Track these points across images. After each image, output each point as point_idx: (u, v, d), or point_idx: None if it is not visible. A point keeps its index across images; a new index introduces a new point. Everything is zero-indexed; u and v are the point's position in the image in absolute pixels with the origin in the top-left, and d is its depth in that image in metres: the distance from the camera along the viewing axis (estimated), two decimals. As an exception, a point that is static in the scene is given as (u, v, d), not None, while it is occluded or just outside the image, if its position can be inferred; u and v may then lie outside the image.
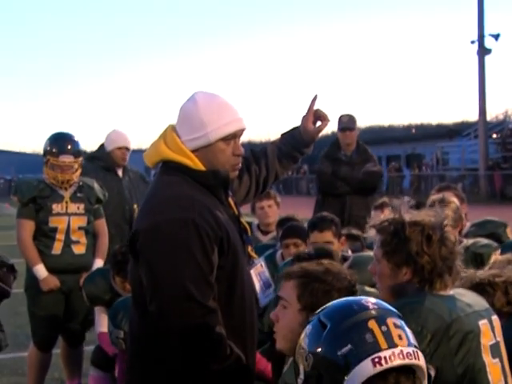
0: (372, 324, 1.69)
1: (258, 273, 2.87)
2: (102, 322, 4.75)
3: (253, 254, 2.91)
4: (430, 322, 2.32)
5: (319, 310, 1.83)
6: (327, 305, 1.84)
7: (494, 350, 2.42)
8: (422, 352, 2.29)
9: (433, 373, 2.28)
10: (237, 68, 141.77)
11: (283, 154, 3.07)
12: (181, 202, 2.59)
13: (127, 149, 6.26)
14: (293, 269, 2.50)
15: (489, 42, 30.62)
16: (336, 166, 6.51)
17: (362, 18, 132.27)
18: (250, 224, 5.62)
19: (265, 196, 5.67)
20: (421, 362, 1.75)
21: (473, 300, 2.53)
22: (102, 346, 4.74)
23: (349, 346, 1.66)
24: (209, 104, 2.67)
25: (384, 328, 1.69)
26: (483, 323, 2.42)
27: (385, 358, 1.65)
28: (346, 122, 6.49)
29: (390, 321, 1.72)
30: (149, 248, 2.56)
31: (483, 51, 30.59)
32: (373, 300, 1.80)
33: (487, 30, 30.64)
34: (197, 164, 2.66)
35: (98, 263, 5.29)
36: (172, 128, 2.73)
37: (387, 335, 1.69)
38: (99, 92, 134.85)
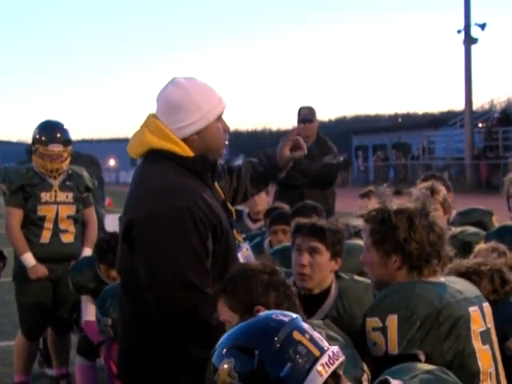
0: (296, 335, 1.66)
1: (245, 256, 2.91)
2: (88, 311, 4.78)
3: (239, 237, 2.95)
4: (419, 307, 2.34)
5: (229, 340, 1.72)
6: (238, 332, 1.74)
7: (485, 337, 2.45)
8: (412, 338, 2.33)
9: (422, 358, 2.31)
10: (222, 56, 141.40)
11: (257, 174, 3.12)
12: (174, 189, 2.59)
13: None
14: (215, 289, 2.45)
15: (475, 32, 30.72)
16: None
17: (349, 9, 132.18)
18: (240, 212, 5.66)
19: None
20: (342, 355, 1.74)
21: (464, 287, 2.55)
22: (87, 335, 4.76)
23: (289, 365, 1.63)
24: (198, 87, 2.70)
25: (307, 335, 1.67)
26: (474, 310, 2.45)
27: (326, 363, 1.64)
28: (306, 114, 6.41)
29: (305, 326, 1.71)
30: (146, 236, 2.57)
31: (469, 41, 30.66)
32: (280, 312, 1.77)
33: (473, 20, 30.74)
34: (185, 151, 2.67)
35: (87, 252, 5.27)
36: (155, 118, 2.71)
37: (314, 342, 1.67)
38: (85, 80, 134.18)
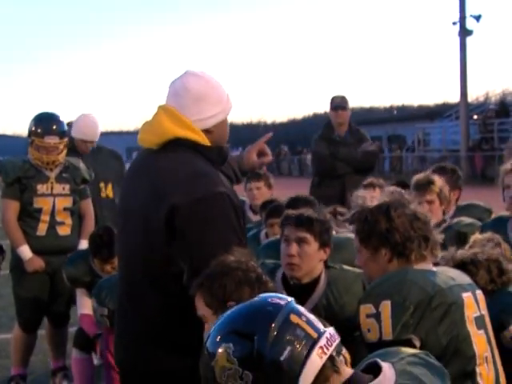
0: (294, 318, 1.67)
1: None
2: (84, 304, 4.77)
3: None
4: (412, 294, 2.38)
5: (226, 324, 1.72)
6: (235, 317, 1.73)
7: (479, 322, 2.47)
8: (406, 323, 2.36)
9: (417, 343, 2.34)
10: (219, 51, 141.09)
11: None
12: (210, 176, 2.65)
13: (92, 142, 6.12)
14: (192, 285, 2.46)
15: (470, 24, 30.67)
16: (333, 148, 6.55)
17: (345, 2, 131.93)
18: (242, 202, 5.66)
19: (254, 177, 5.68)
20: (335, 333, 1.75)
21: (456, 274, 2.59)
22: (83, 328, 4.77)
23: (288, 348, 1.63)
24: (216, 80, 2.75)
25: (304, 318, 1.68)
26: (467, 296, 2.48)
27: (325, 345, 1.65)
28: (339, 102, 6.57)
29: (301, 309, 1.72)
30: (193, 222, 2.55)
31: (464, 32, 30.61)
32: (275, 295, 1.78)
33: (468, 12, 30.67)
34: (205, 140, 2.71)
35: (84, 244, 5.25)
36: (172, 109, 2.68)
37: (311, 324, 1.68)
38: (78, 71, 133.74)
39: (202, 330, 2.47)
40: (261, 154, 3.21)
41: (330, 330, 1.70)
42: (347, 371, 1.74)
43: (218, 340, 1.68)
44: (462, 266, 2.90)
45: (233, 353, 1.65)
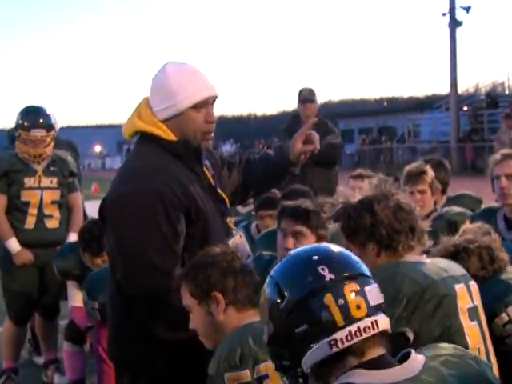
0: (328, 299, 1.61)
1: (237, 244, 2.87)
2: (74, 297, 4.77)
3: (231, 225, 2.92)
4: (405, 286, 2.35)
5: (277, 271, 1.72)
6: (285, 268, 1.72)
7: (472, 314, 2.46)
8: (399, 317, 2.34)
9: (411, 336, 2.32)
10: (204, 43, 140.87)
11: (271, 167, 3.04)
12: (147, 171, 2.61)
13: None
14: (177, 274, 2.49)
15: (460, 15, 30.79)
16: None
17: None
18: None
19: None
20: (381, 327, 1.66)
21: (449, 266, 2.57)
22: (74, 320, 4.76)
23: (305, 326, 1.62)
24: (178, 73, 2.68)
25: (341, 301, 1.62)
26: (460, 287, 2.46)
27: (341, 339, 1.60)
28: (307, 95, 6.58)
29: (348, 289, 1.64)
30: (113, 217, 2.62)
31: (454, 23, 30.69)
32: (329, 263, 1.67)
33: (458, 3, 30.78)
34: (168, 134, 2.68)
35: (72, 237, 5.23)
36: (146, 100, 2.75)
37: (344, 309, 1.61)
38: (70, 66, 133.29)
39: (151, 319, 2.54)
40: (307, 141, 3.03)
41: (366, 321, 1.62)
42: (369, 352, 1.66)
43: (269, 279, 1.74)
44: (454, 252, 2.90)
45: (268, 298, 1.71)
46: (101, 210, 2.68)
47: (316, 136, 3.04)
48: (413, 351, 1.71)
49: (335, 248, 1.76)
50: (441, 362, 1.71)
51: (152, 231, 2.55)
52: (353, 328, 1.61)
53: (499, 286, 2.88)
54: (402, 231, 2.50)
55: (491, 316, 2.76)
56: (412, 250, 2.53)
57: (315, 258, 1.68)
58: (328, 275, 1.64)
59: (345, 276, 1.65)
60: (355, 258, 1.76)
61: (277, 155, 3.05)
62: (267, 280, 1.74)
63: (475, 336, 2.44)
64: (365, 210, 2.52)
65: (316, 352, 1.62)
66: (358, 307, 1.63)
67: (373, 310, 1.65)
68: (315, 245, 1.86)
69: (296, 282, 1.66)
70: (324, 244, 1.83)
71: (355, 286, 1.65)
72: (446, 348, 1.80)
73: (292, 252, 1.78)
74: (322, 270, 1.65)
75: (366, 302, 1.64)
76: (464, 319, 2.41)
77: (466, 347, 2.37)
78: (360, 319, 1.62)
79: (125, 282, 2.60)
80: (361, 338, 1.62)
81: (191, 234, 2.64)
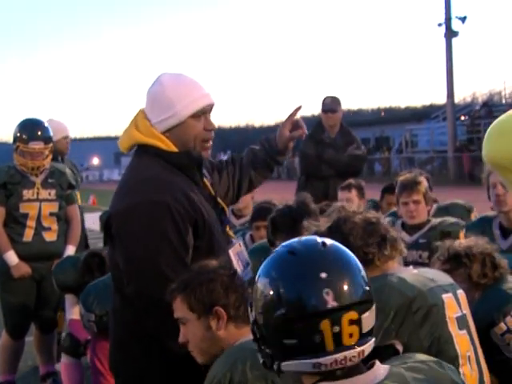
0: (325, 325, 1.59)
1: (237, 252, 2.88)
2: (73, 310, 4.76)
3: (231, 233, 2.94)
4: (392, 299, 2.35)
5: (278, 272, 1.66)
6: (288, 270, 1.65)
7: (461, 322, 2.47)
8: (387, 329, 2.35)
9: (400, 348, 2.33)
10: (201, 53, 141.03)
11: (258, 160, 3.05)
12: (154, 184, 2.60)
13: (68, 137, 6.28)
14: (171, 287, 2.43)
15: (456, 25, 30.86)
16: (320, 149, 6.42)
17: (336, 5, 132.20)
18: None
19: None
20: (366, 353, 1.65)
21: (436, 275, 2.57)
22: (72, 333, 4.76)
23: (295, 341, 1.60)
24: (175, 83, 2.70)
25: (336, 329, 1.59)
26: (447, 296, 2.46)
27: (325, 365, 1.60)
28: (330, 104, 6.46)
29: (347, 318, 1.61)
30: (124, 231, 2.59)
31: (450, 34, 30.77)
32: (335, 287, 1.61)
33: (454, 13, 30.87)
34: (168, 145, 2.68)
35: (70, 250, 5.26)
36: (142, 112, 2.75)
37: (337, 337, 1.60)
38: (69, 79, 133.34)
39: (163, 332, 2.53)
40: (294, 128, 3.00)
41: (353, 351, 1.61)
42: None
43: (271, 278, 1.67)
44: (456, 258, 2.90)
45: (267, 295, 1.65)
46: (107, 224, 2.65)
47: (301, 122, 3.03)
48: (377, 361, 1.72)
49: (345, 263, 1.69)
50: (405, 368, 1.73)
51: (163, 244, 2.54)
52: (339, 356, 1.60)
53: (499, 295, 2.88)
54: (374, 243, 2.48)
55: (489, 324, 2.77)
56: (391, 259, 2.53)
57: (323, 276, 1.62)
58: (331, 303, 1.60)
59: (347, 304, 1.61)
60: (362, 273, 1.70)
61: (264, 148, 3.05)
62: (268, 277, 1.67)
63: (465, 344, 2.44)
64: (334, 233, 2.47)
65: (297, 365, 1.62)
66: (351, 335, 1.61)
67: (363, 338, 1.64)
68: (327, 253, 1.70)
69: (298, 298, 1.62)
70: (334, 255, 1.71)
71: (354, 315, 1.62)
72: (412, 357, 1.83)
73: (301, 252, 1.68)
74: (327, 294, 1.60)
75: (360, 329, 1.63)
76: (453, 328, 2.42)
77: (456, 356, 2.39)
78: (349, 348, 1.61)
79: (137, 295, 2.57)
80: (344, 365, 1.62)
81: (198, 245, 2.64)
